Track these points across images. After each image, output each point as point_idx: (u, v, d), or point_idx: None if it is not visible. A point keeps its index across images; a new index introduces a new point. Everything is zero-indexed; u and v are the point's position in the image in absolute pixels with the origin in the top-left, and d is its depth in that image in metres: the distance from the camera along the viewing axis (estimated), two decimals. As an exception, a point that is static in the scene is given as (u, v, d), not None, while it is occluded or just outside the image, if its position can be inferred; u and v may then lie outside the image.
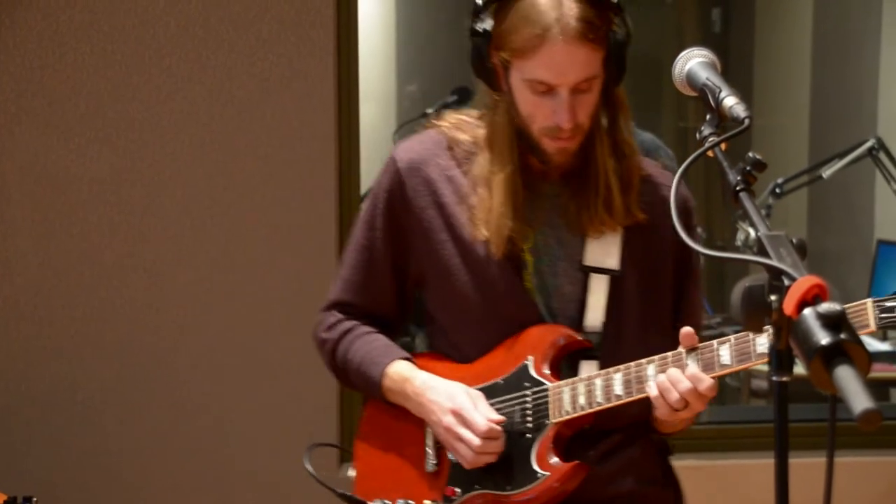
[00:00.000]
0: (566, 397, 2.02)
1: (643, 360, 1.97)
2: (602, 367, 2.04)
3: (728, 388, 5.15)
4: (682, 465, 3.56)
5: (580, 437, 2.07)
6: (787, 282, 1.33)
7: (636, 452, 2.12)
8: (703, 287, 5.14)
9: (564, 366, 2.08)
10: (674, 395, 1.92)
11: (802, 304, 1.28)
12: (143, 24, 3.32)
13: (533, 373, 2.06)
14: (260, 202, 3.39)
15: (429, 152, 2.12)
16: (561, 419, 2.03)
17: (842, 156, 4.52)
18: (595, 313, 2.07)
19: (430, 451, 2.12)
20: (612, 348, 2.06)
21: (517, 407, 2.06)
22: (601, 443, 2.09)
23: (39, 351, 3.38)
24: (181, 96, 3.35)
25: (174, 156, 3.36)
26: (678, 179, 1.56)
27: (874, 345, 4.46)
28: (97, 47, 3.32)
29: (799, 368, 1.33)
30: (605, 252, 2.07)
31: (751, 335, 1.86)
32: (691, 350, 1.93)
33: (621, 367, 1.99)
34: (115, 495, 3.42)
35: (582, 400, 2.01)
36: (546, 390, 2.04)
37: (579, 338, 2.05)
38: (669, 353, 1.95)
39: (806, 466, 1.88)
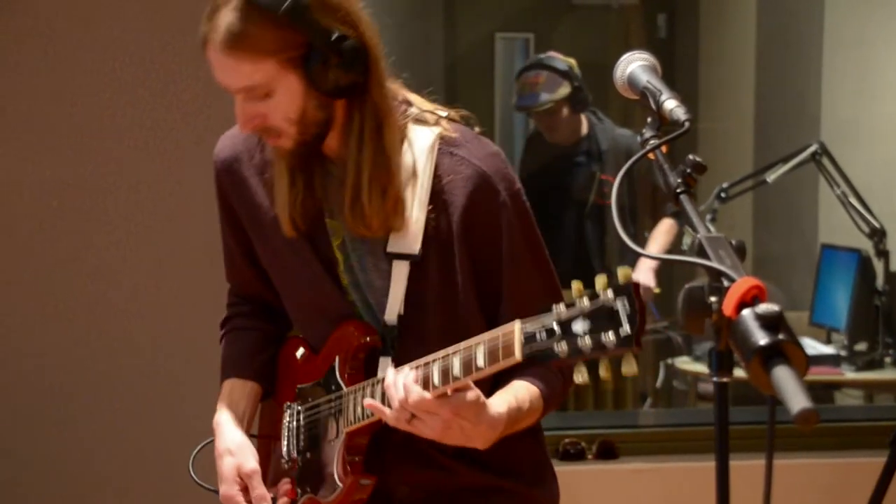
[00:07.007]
0: (351, 405, 1.95)
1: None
2: (397, 364, 1.88)
3: (675, 392, 5.18)
4: (629, 467, 3.63)
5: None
6: (726, 283, 1.34)
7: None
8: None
9: (368, 365, 2.00)
10: (391, 407, 1.80)
11: (741, 305, 1.29)
12: (86, 28, 3.28)
13: (337, 375, 2.00)
14: (205, 206, 3.35)
15: (241, 148, 2.07)
16: (350, 428, 1.95)
17: (786, 160, 4.56)
18: (394, 305, 1.95)
19: (283, 449, 2.11)
20: (408, 343, 1.95)
21: (327, 411, 2.02)
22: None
23: (-21, 359, 3.34)
24: (124, 100, 3.31)
25: (118, 160, 3.33)
26: (619, 182, 1.56)
27: (818, 348, 4.50)
28: (38, 51, 3.28)
29: (739, 371, 1.34)
30: (409, 235, 1.94)
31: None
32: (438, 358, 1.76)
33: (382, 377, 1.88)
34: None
35: (358, 409, 1.93)
36: (342, 396, 1.98)
37: (363, 340, 1.96)
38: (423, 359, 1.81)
39: (748, 468, 1.88)
